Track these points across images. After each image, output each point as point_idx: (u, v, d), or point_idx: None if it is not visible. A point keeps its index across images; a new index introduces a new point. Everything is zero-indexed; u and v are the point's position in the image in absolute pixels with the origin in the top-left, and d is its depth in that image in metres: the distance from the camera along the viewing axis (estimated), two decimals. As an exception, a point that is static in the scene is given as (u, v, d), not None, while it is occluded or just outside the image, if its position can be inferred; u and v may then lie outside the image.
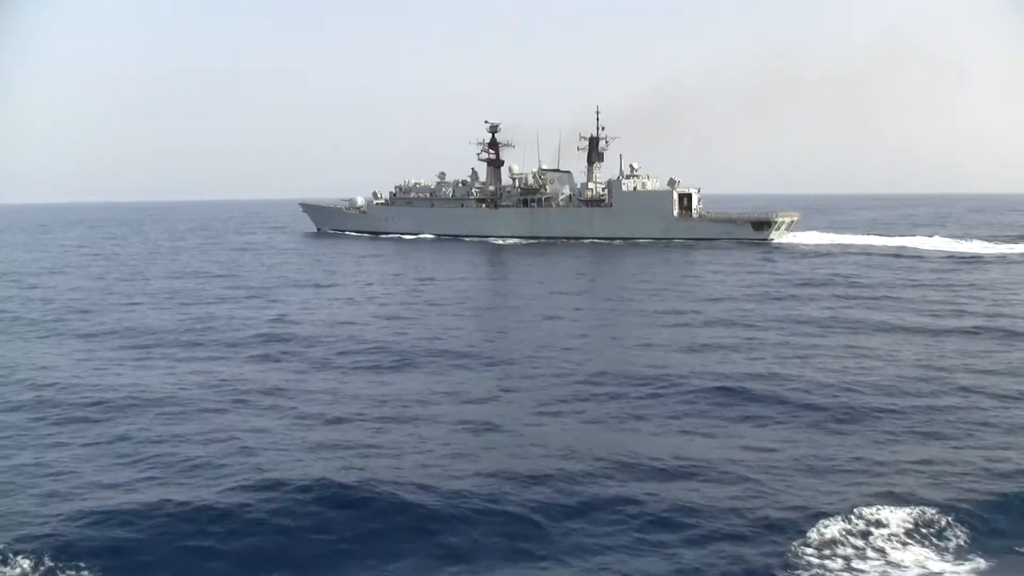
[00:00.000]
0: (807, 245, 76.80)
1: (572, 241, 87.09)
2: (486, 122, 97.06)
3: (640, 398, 21.35)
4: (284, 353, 27.10)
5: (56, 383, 23.28)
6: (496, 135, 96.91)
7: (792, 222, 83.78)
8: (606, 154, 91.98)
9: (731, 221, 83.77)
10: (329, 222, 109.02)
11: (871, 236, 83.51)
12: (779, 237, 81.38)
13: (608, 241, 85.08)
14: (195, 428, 19.15)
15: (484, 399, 21.68)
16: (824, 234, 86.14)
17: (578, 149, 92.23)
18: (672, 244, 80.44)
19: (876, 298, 38.24)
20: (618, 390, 22.14)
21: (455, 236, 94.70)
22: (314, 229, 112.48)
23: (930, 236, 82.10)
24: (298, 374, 24.45)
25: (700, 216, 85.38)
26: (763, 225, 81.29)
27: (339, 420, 19.78)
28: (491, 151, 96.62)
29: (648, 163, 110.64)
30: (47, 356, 26.77)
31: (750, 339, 28.51)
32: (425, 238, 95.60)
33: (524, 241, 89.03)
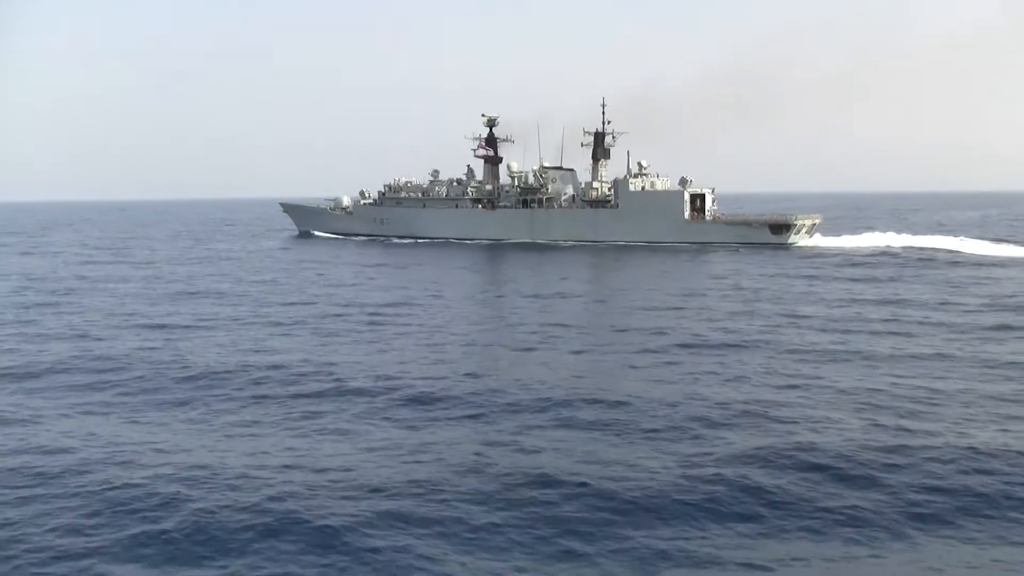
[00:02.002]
0: (831, 248, 73.89)
1: (575, 244, 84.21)
2: (483, 116, 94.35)
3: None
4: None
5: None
6: (494, 130, 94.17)
7: (814, 225, 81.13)
8: (613, 151, 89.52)
9: (747, 224, 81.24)
10: (312, 223, 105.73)
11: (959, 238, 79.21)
12: (799, 241, 78.73)
13: (614, 245, 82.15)
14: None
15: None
16: (857, 237, 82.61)
17: (582, 145, 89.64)
18: (685, 248, 77.66)
19: None
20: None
21: (448, 239, 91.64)
22: (295, 231, 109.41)
23: None
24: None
25: (714, 218, 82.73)
26: (781, 228, 78.79)
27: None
28: (488, 147, 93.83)
29: (658, 160, 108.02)
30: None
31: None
32: (417, 241, 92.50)
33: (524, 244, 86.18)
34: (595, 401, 23.50)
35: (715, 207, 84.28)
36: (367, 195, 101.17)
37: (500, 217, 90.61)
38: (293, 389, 25.37)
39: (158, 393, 25.18)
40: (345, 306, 42.54)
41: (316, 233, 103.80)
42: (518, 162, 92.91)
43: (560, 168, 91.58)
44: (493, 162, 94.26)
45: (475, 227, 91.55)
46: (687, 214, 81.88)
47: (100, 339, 33.57)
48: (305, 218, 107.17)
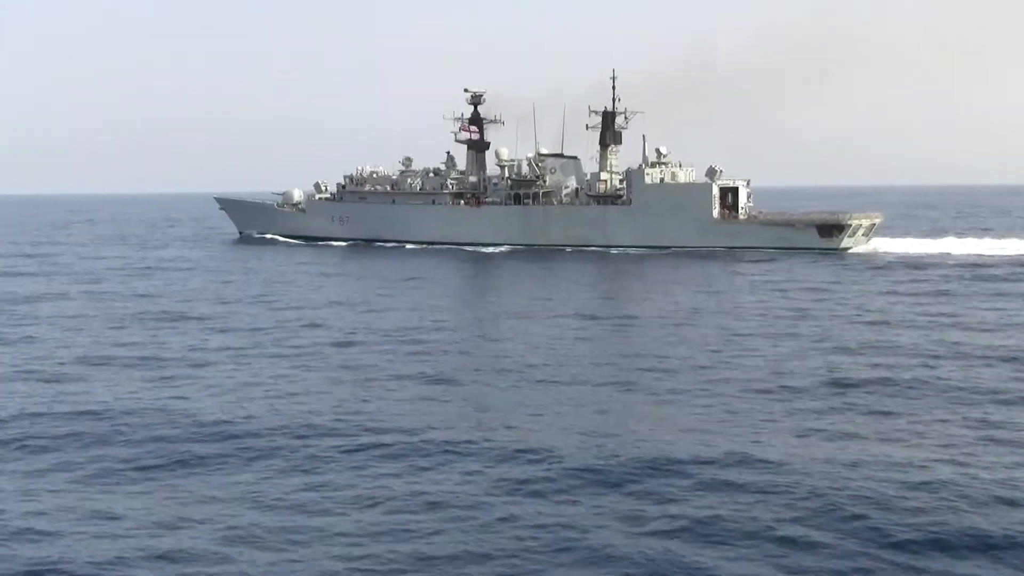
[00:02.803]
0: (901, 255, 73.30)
1: (579, 250, 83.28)
2: (466, 90, 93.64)
3: None
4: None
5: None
6: (480, 108, 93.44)
7: (873, 225, 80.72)
8: (625, 134, 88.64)
9: (789, 224, 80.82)
10: (256, 223, 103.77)
11: None
12: (855, 245, 78.06)
13: (626, 250, 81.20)
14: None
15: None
16: (964, 241, 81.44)
17: (588, 128, 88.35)
18: (715, 253, 77.20)
19: None
20: None
21: (423, 243, 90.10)
22: (235, 233, 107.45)
23: None
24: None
25: (749, 217, 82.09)
26: (832, 229, 78.27)
27: None
28: (473, 129, 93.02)
29: (681, 146, 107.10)
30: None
31: None
32: (384, 246, 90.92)
33: (516, 249, 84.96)
34: (743, 460, 21.81)
35: (750, 203, 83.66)
36: (324, 188, 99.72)
37: (487, 216, 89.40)
38: (349, 442, 23.49)
39: (178, 450, 22.99)
40: (369, 332, 40.60)
41: (261, 235, 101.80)
42: (509, 148, 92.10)
43: (560, 156, 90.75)
44: (479, 148, 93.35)
45: (456, 228, 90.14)
46: (716, 212, 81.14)
47: (64, 379, 31.08)
48: (248, 216, 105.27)
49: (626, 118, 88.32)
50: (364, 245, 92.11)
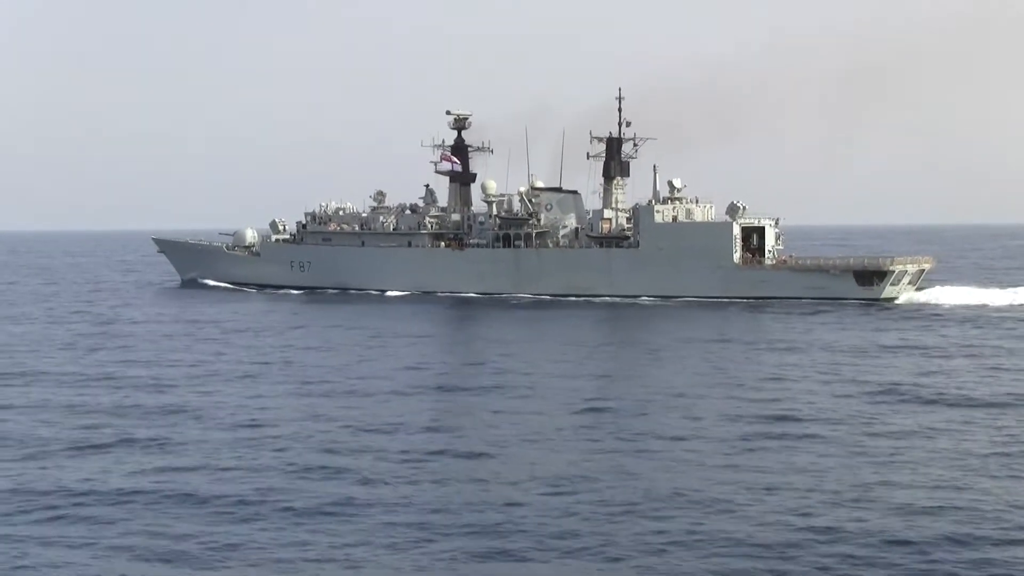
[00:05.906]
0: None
1: (578, 300, 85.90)
2: (448, 113, 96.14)
3: None
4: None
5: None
6: (464, 133, 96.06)
7: (922, 271, 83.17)
8: (633, 165, 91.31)
9: (823, 270, 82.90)
10: (201, 268, 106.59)
11: None
12: (900, 294, 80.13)
13: (633, 300, 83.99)
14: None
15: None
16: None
17: (589, 157, 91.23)
18: (737, 304, 79.76)
19: None
20: None
21: (398, 292, 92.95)
22: (176, 279, 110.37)
23: None
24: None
25: (776, 262, 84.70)
26: (872, 276, 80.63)
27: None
28: (456, 160, 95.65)
29: (701, 179, 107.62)
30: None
31: None
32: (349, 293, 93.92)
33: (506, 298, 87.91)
34: None
35: (779, 245, 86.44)
36: (281, 227, 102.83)
37: (472, 260, 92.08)
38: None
39: None
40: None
41: (206, 282, 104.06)
42: (498, 181, 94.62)
43: (558, 190, 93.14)
44: (462, 181, 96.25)
45: (436, 274, 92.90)
46: (737, 256, 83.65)
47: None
48: (191, 260, 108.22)
49: (635, 145, 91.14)
50: (323, 293, 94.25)
